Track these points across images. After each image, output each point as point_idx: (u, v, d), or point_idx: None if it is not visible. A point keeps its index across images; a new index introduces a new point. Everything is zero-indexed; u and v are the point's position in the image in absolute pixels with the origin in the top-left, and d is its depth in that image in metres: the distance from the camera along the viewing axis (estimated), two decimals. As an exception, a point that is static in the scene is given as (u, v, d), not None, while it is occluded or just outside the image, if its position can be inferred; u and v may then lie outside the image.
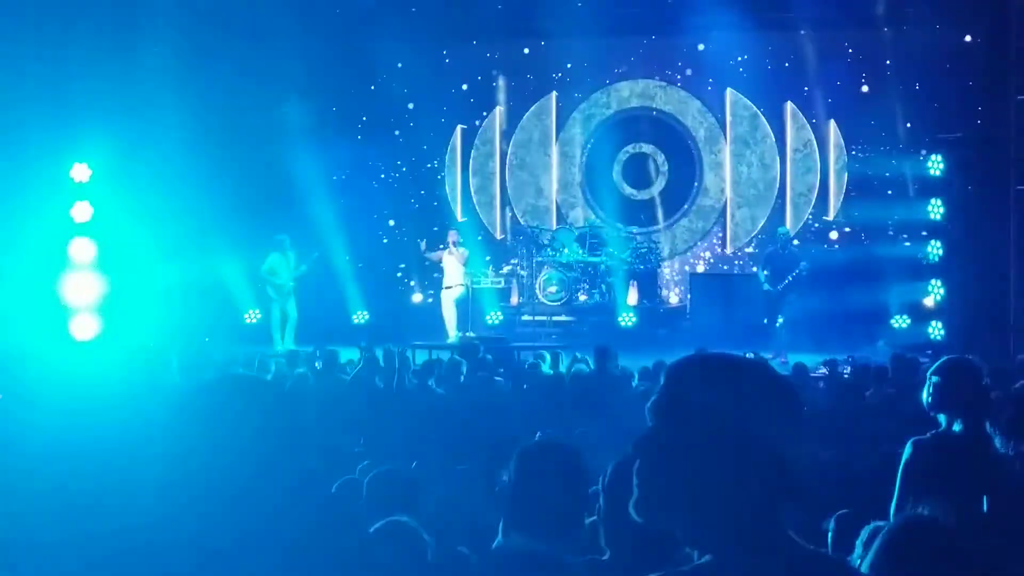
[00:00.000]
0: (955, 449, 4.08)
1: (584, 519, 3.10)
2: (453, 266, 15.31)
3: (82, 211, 13.34)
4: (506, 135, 18.31)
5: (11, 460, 5.05)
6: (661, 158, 17.89)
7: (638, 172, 17.99)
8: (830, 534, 3.87)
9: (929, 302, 15.31)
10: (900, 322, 15.60)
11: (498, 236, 18.24)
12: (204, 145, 14.76)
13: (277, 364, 10.37)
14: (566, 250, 17.01)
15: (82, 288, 13.16)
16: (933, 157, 15.46)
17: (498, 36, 17.54)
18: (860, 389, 7.95)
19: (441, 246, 15.80)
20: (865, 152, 16.94)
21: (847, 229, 17.29)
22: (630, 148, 18.00)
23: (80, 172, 13.33)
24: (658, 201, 17.89)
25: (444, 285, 15.42)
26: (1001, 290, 15.00)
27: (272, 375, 9.25)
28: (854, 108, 16.88)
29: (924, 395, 4.30)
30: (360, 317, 16.81)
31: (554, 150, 18.21)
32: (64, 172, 13.29)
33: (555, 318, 16.92)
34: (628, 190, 17.97)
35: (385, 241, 18.21)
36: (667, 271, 17.85)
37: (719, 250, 17.87)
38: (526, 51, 17.99)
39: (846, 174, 17.23)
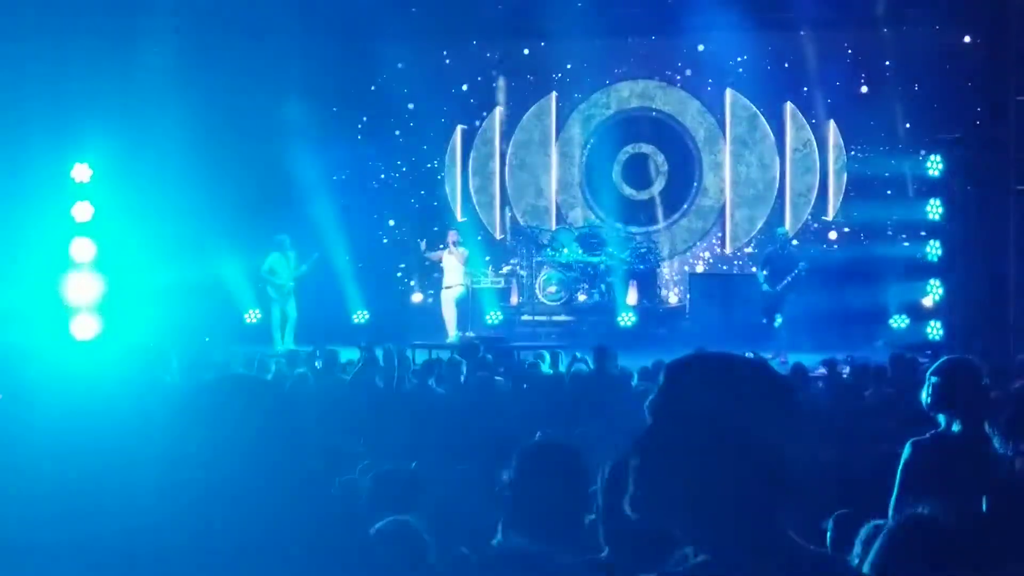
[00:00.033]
0: (954, 449, 4.09)
1: (584, 519, 3.11)
2: (453, 266, 15.33)
3: (83, 211, 13.34)
4: (506, 135, 18.31)
5: (12, 460, 5.05)
6: (661, 158, 17.89)
7: (638, 172, 17.99)
8: (829, 533, 3.88)
9: (928, 302, 15.32)
10: (899, 322, 15.61)
11: (498, 236, 18.25)
12: (205, 145, 14.77)
13: (277, 364, 10.38)
14: (566, 250, 17.02)
15: (83, 288, 13.17)
16: (932, 157, 15.46)
17: (498, 36, 17.55)
18: (859, 389, 7.96)
19: (441, 246, 15.82)
20: (864, 152, 16.94)
21: (846, 229, 17.30)
22: (630, 148, 18.00)
23: (81, 172, 13.34)
24: (658, 201, 17.90)
25: (444, 285, 15.44)
26: (1000, 290, 15.01)
27: (272, 375, 9.26)
28: (853, 108, 16.88)
29: (923, 395, 4.31)
30: (360, 317, 16.82)
31: (554, 150, 18.21)
32: (65, 172, 13.29)
33: (555, 318, 16.94)
34: (628, 190, 17.97)
35: (385, 241, 18.23)
36: (666, 271, 17.85)
37: (718, 250, 17.88)
38: (526, 51, 17.99)
39: (845, 174, 17.23)
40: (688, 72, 17.79)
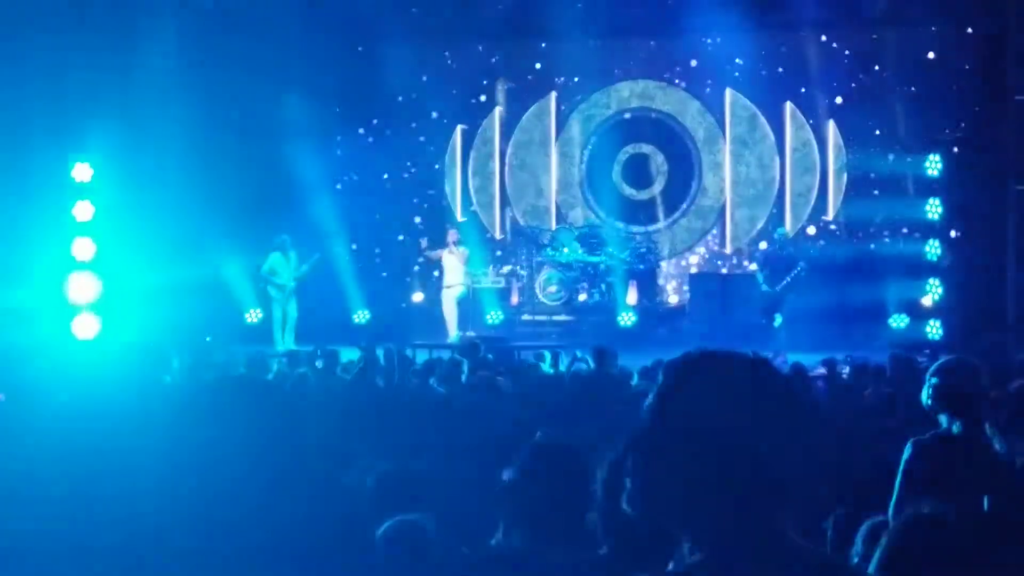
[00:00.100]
0: (955, 449, 4.10)
1: (585, 518, 3.12)
2: (453, 265, 15.35)
3: (84, 210, 13.36)
4: (506, 135, 18.32)
5: (14, 459, 5.07)
6: (660, 158, 17.90)
7: (638, 172, 18.00)
8: (829, 533, 3.89)
9: (927, 301, 15.34)
10: (898, 321, 15.63)
11: (498, 236, 18.26)
12: (205, 145, 14.79)
13: (278, 364, 10.39)
14: (566, 250, 17.04)
15: (84, 287, 13.18)
16: (931, 157, 15.49)
17: (498, 37, 17.55)
18: (859, 389, 7.97)
19: (441, 246, 15.84)
20: (864, 152, 16.95)
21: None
22: (630, 148, 18.01)
23: (82, 171, 13.35)
24: (659, 201, 17.90)
25: (444, 284, 15.46)
26: (999, 289, 15.04)
27: (273, 375, 9.26)
28: (853, 108, 16.89)
29: (924, 395, 4.32)
30: (361, 316, 16.82)
31: (554, 150, 18.21)
32: (66, 171, 13.30)
33: (555, 318, 16.97)
34: (628, 190, 17.98)
35: (385, 240, 18.22)
36: (666, 271, 17.86)
37: (718, 250, 17.89)
38: (526, 52, 17.99)
39: (845, 174, 17.24)
40: (688, 72, 17.79)
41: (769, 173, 17.61)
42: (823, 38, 16.92)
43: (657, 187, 17.93)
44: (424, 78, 17.64)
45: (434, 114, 17.95)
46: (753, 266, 15.88)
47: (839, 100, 17.03)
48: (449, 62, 18.00)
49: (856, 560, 3.02)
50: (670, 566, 1.80)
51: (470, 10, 16.72)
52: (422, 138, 18.07)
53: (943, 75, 16.26)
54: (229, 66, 15.02)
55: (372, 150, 17.83)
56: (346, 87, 17.35)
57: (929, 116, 16.24)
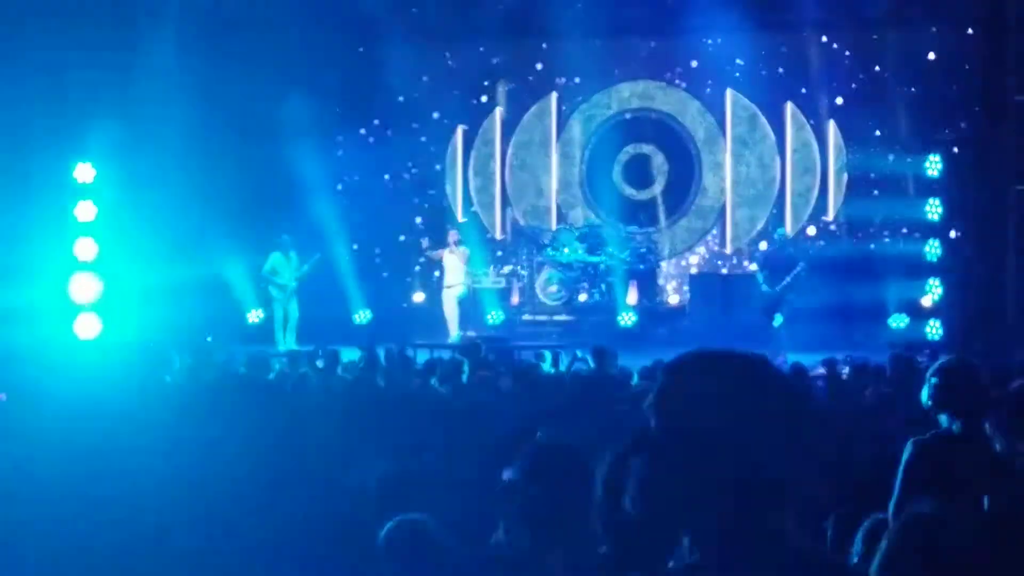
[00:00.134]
0: (955, 449, 4.11)
1: (586, 518, 3.13)
2: (454, 265, 15.36)
3: (86, 210, 13.37)
4: (507, 136, 18.32)
5: (17, 458, 5.08)
6: (661, 158, 17.91)
7: (638, 172, 18.01)
8: (829, 533, 3.89)
9: (927, 301, 15.35)
10: (898, 321, 15.64)
11: (498, 236, 18.27)
12: (207, 145, 14.79)
13: (279, 364, 10.40)
14: (566, 250, 17.06)
15: (86, 287, 13.20)
16: (931, 157, 15.50)
17: (499, 37, 17.55)
18: (859, 389, 7.98)
19: (442, 246, 15.84)
20: (864, 152, 16.96)
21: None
22: (630, 148, 18.02)
23: (84, 172, 13.36)
24: (659, 201, 17.91)
25: (445, 284, 15.47)
26: (1000, 290, 15.04)
27: (274, 375, 9.28)
28: (853, 108, 16.90)
29: (924, 395, 4.33)
30: (361, 316, 16.83)
31: (554, 151, 18.22)
32: (68, 172, 13.31)
33: (555, 317, 16.99)
34: (628, 190, 17.99)
35: (386, 240, 18.22)
36: (667, 271, 17.87)
37: (718, 250, 17.90)
38: (527, 52, 18.00)
39: (845, 174, 17.25)
40: (688, 72, 17.80)
41: (769, 173, 17.61)
42: (823, 38, 16.93)
43: (657, 187, 17.93)
44: (425, 78, 17.66)
45: (435, 114, 17.96)
46: (753, 266, 15.89)
47: (839, 100, 17.04)
48: (450, 62, 18.01)
49: (856, 559, 3.02)
50: (670, 565, 1.81)
51: (471, 10, 16.72)
52: (423, 138, 18.08)
53: (943, 75, 16.26)
54: (230, 67, 15.02)
55: (373, 150, 17.84)
56: (347, 87, 17.35)
57: (929, 116, 16.25)
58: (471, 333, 14.79)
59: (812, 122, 17.30)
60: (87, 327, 13.10)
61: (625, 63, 17.93)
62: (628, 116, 18.06)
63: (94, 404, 6.31)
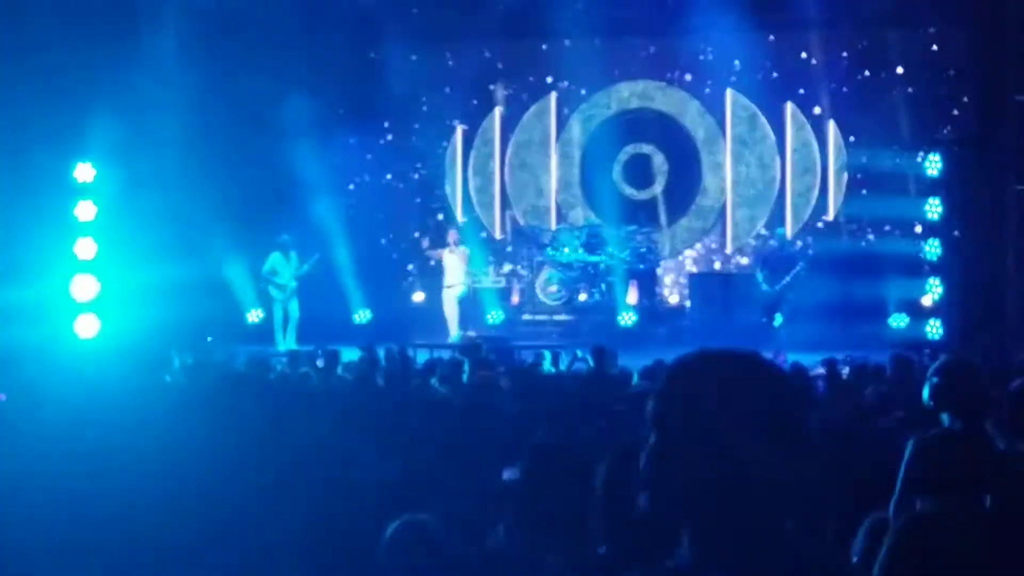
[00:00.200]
0: (956, 447, 4.12)
1: (587, 518, 3.13)
2: (454, 265, 15.36)
3: (86, 210, 13.37)
4: (506, 135, 18.32)
5: (17, 458, 5.08)
6: (660, 158, 17.91)
7: (638, 172, 18.01)
8: (829, 533, 3.89)
9: (927, 301, 15.35)
10: (898, 321, 15.64)
11: (498, 236, 18.27)
12: (207, 145, 14.78)
13: (279, 363, 10.40)
14: (566, 250, 17.06)
15: (85, 287, 13.20)
16: (931, 156, 15.50)
17: (499, 37, 17.56)
18: (858, 388, 7.97)
19: (442, 246, 15.85)
20: (864, 151, 16.96)
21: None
22: (630, 148, 18.02)
23: (84, 172, 13.36)
24: (660, 201, 17.90)
25: (445, 284, 15.47)
26: (999, 289, 15.04)
27: (274, 375, 9.28)
28: (853, 108, 16.90)
29: (924, 395, 4.34)
30: (361, 316, 16.83)
31: (554, 150, 18.22)
32: (68, 172, 13.31)
33: (555, 317, 17.00)
34: (628, 190, 17.99)
35: (386, 240, 18.23)
36: (666, 270, 17.88)
37: (718, 249, 17.90)
38: (527, 52, 18.01)
39: (845, 174, 17.25)
40: (688, 73, 17.81)
41: (769, 173, 17.61)
42: (823, 38, 16.92)
43: (657, 187, 17.93)
44: (425, 79, 17.66)
45: (435, 114, 17.96)
46: (746, 260, 15.91)
47: (839, 100, 17.04)
48: (450, 63, 18.01)
49: (857, 558, 3.03)
50: (670, 565, 1.81)
51: (471, 11, 16.73)
52: (423, 138, 18.08)
53: (943, 75, 16.27)
54: (230, 67, 15.02)
55: (373, 150, 17.85)
56: (347, 88, 17.36)
57: (929, 116, 16.25)
58: (471, 333, 14.78)
59: (812, 122, 17.30)
60: (87, 327, 13.10)
61: (625, 63, 17.93)
62: (628, 116, 18.06)
63: (94, 404, 6.31)
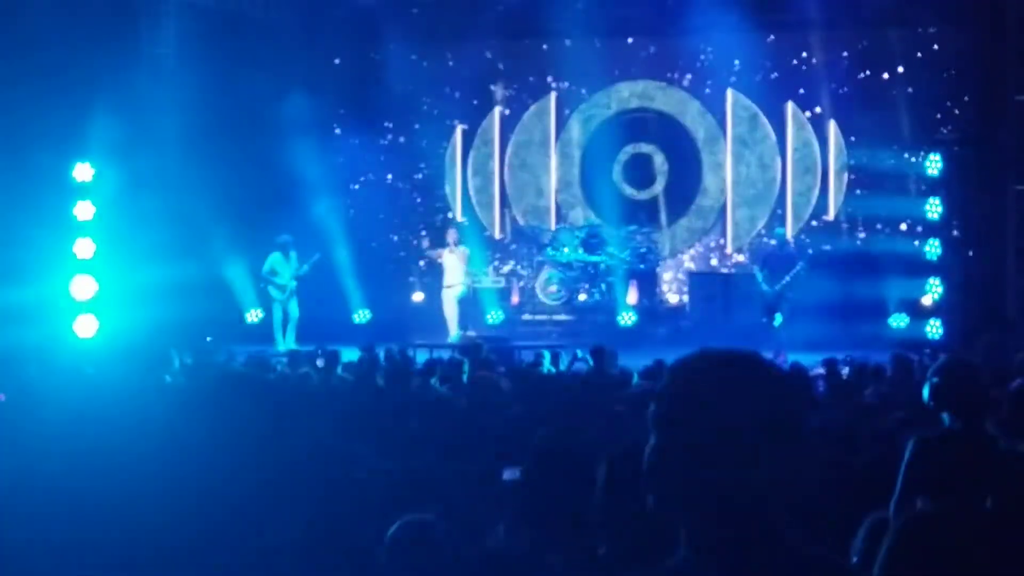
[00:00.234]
0: (957, 447, 4.12)
1: (588, 517, 3.13)
2: (453, 265, 15.37)
3: (85, 210, 13.37)
4: (506, 135, 18.32)
5: (17, 458, 5.07)
6: (661, 158, 17.91)
7: (638, 172, 18.01)
8: (829, 533, 3.89)
9: (927, 301, 15.36)
10: (898, 321, 15.64)
11: (498, 236, 18.27)
12: (206, 145, 14.78)
13: (279, 363, 10.40)
14: (566, 249, 17.07)
15: (84, 287, 13.21)
16: (931, 156, 15.52)
17: (499, 37, 17.56)
18: (859, 389, 7.98)
19: (442, 246, 15.86)
20: (864, 151, 16.95)
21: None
22: (630, 148, 18.02)
23: (83, 171, 13.36)
24: (661, 201, 17.90)
25: (444, 284, 15.48)
26: (999, 289, 15.06)
27: (274, 375, 9.27)
28: (853, 108, 16.90)
29: (925, 395, 4.35)
30: (361, 316, 16.83)
31: (554, 150, 18.22)
32: (67, 172, 13.31)
33: (555, 317, 17.00)
34: (628, 190, 17.99)
35: (386, 240, 18.23)
36: (667, 270, 17.88)
37: (719, 249, 17.90)
38: (527, 52, 18.01)
39: (846, 174, 17.25)
40: (688, 73, 17.81)
41: (770, 173, 17.61)
42: (823, 38, 16.92)
43: (658, 187, 17.93)
44: (425, 79, 17.66)
45: (435, 114, 17.96)
46: (741, 257, 15.92)
47: (839, 100, 17.03)
48: (450, 63, 18.01)
49: (857, 558, 3.02)
50: (669, 565, 1.81)
51: (471, 11, 16.74)
52: (423, 138, 18.09)
53: (943, 75, 16.28)
54: (229, 66, 15.03)
55: (373, 150, 17.85)
56: (347, 88, 17.36)
57: (929, 116, 16.26)
58: (471, 333, 14.79)
59: (813, 121, 17.30)
60: (86, 327, 13.10)
61: (625, 63, 17.93)
62: (628, 116, 18.06)
63: (94, 404, 6.31)
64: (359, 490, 4.50)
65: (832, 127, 17.18)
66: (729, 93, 17.57)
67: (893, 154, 16.50)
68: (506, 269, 17.63)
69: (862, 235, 17.00)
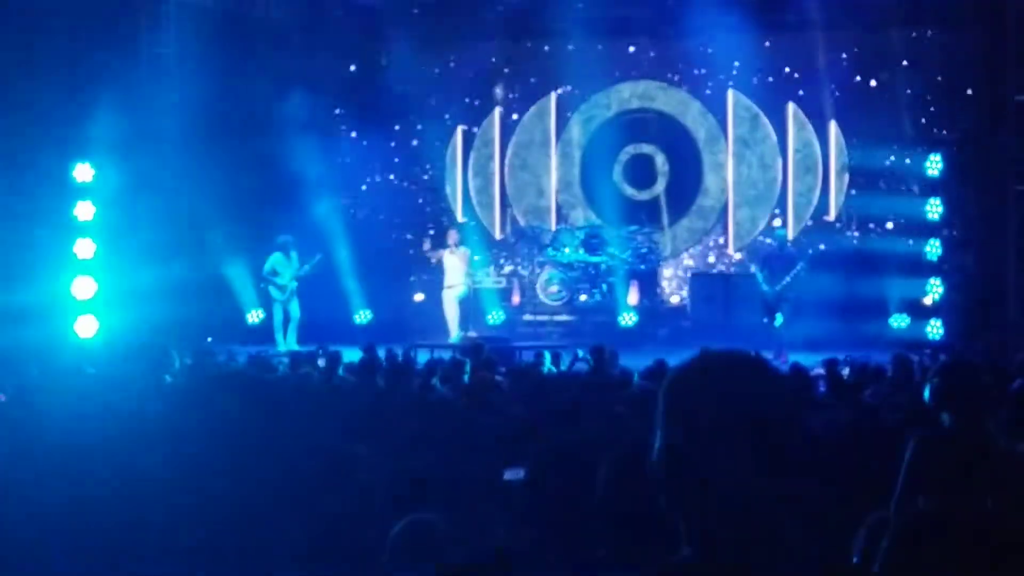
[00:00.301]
0: (958, 447, 4.13)
1: (591, 517, 3.13)
2: (454, 265, 15.37)
3: (85, 210, 13.38)
4: (507, 136, 18.32)
5: (17, 458, 5.08)
6: (661, 159, 17.90)
7: (639, 173, 18.00)
8: (830, 533, 3.89)
9: (928, 301, 15.36)
10: (899, 321, 15.64)
11: (498, 236, 18.27)
12: (206, 145, 14.79)
13: (280, 364, 10.40)
14: (567, 250, 17.07)
15: (84, 287, 13.21)
16: (932, 157, 15.52)
17: (500, 38, 17.56)
18: (859, 388, 7.97)
19: (442, 246, 15.85)
20: (865, 152, 16.95)
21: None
22: (631, 149, 18.01)
23: (83, 171, 13.36)
24: (662, 201, 17.89)
25: (445, 284, 15.48)
26: (999, 289, 15.06)
27: (275, 375, 9.27)
28: (854, 108, 16.89)
29: (925, 395, 4.35)
30: (362, 317, 16.83)
31: (554, 151, 18.22)
32: (67, 172, 13.32)
33: (556, 318, 17.00)
34: (629, 190, 17.98)
35: (387, 241, 18.22)
36: (667, 271, 17.87)
37: (719, 249, 17.90)
38: (528, 53, 18.01)
39: (846, 174, 17.25)
40: (689, 73, 17.80)
41: (770, 173, 17.60)
42: (824, 39, 16.91)
43: (658, 187, 17.93)
44: (426, 79, 17.66)
45: (436, 114, 17.96)
46: (739, 256, 15.92)
47: (840, 100, 17.03)
48: (451, 63, 18.01)
49: (857, 558, 3.03)
50: (670, 564, 1.81)
51: (472, 11, 16.74)
52: (424, 139, 18.08)
53: (943, 75, 16.28)
54: (230, 66, 15.04)
55: (374, 150, 17.85)
56: (348, 88, 17.35)
57: (929, 116, 16.26)
58: (472, 333, 14.79)
59: (814, 122, 17.29)
60: (86, 327, 13.11)
61: (625, 64, 17.92)
62: (628, 116, 18.05)
63: (94, 404, 6.32)
64: (360, 490, 4.50)
65: (833, 127, 17.17)
66: (730, 94, 17.56)
67: (893, 154, 16.50)
68: (507, 269, 17.62)
69: (862, 235, 16.99)
